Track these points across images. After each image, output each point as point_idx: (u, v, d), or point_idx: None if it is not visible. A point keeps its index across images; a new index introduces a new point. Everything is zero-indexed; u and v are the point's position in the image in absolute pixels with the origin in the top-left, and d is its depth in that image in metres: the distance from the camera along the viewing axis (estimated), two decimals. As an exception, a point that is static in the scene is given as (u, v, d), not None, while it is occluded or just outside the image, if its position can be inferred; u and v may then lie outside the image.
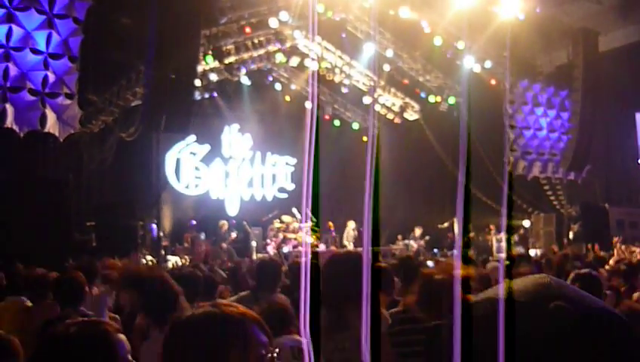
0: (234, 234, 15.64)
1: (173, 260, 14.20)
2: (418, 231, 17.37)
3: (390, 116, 19.18)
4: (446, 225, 17.07)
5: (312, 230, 16.53)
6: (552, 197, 17.85)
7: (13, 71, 11.02)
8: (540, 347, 0.75)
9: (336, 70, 17.49)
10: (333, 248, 16.81)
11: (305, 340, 1.32)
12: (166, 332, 1.60)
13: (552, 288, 0.81)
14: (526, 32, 14.96)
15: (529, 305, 0.78)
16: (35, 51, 11.17)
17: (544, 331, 0.76)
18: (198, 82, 14.53)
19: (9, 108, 10.98)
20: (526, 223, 17.24)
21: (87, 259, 7.17)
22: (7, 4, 10.72)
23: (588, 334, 0.76)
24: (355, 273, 1.48)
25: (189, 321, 1.57)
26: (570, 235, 16.89)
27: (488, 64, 16.58)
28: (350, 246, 16.63)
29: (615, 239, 13.07)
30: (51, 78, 11.45)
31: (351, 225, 17.05)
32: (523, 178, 17.40)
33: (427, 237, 17.24)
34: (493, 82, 17.00)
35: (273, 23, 14.85)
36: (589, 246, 14.45)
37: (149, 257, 13.62)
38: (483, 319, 0.79)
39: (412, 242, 17.15)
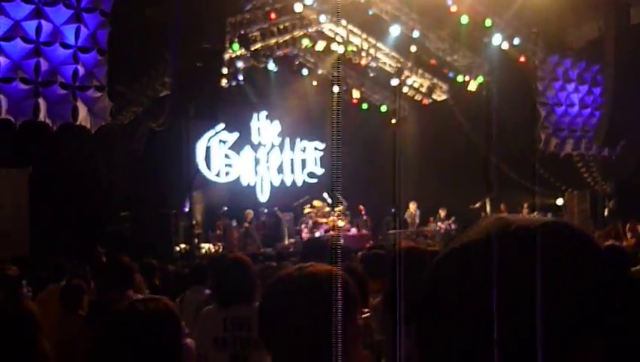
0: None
1: (206, 247, 14.40)
2: (442, 213, 17.19)
3: (418, 97, 19.05)
4: (478, 205, 16.92)
5: (343, 213, 16.60)
6: (586, 175, 17.55)
7: (44, 66, 11.19)
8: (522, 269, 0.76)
9: (363, 53, 17.41)
10: (364, 231, 16.85)
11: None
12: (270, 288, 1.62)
13: (503, 220, 0.84)
14: (555, 6, 14.68)
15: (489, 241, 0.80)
16: (65, 45, 11.31)
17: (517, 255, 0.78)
18: (225, 70, 14.62)
19: (42, 102, 11.17)
20: (559, 201, 17.01)
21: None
22: (35, -1, 10.88)
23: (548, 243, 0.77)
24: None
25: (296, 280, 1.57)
26: (606, 212, 16.62)
27: (517, 41, 16.32)
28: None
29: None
30: (81, 71, 11.59)
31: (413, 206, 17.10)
32: (555, 155, 17.14)
33: (453, 218, 16.99)
34: (522, 59, 16.74)
35: (298, 7, 14.83)
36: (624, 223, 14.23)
37: (182, 245, 13.83)
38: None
39: (439, 223, 17.03)
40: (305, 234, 15.43)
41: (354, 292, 1.62)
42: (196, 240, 14.59)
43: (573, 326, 0.75)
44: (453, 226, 16.65)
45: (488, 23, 15.82)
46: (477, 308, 0.77)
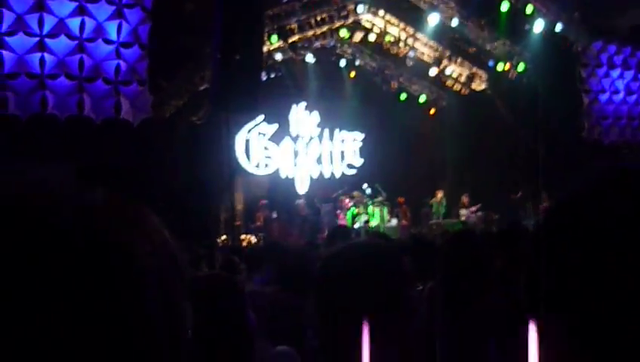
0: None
1: (247, 238, 14.54)
2: (465, 200, 16.78)
3: (457, 87, 18.83)
4: (519, 194, 16.66)
5: (382, 204, 16.56)
6: (632, 163, 17.12)
7: (87, 62, 11.44)
8: None
9: (401, 43, 17.29)
10: (404, 222, 16.79)
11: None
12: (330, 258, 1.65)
13: None
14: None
15: None
16: (107, 41, 11.55)
17: None
18: (263, 62, 14.69)
19: (86, 97, 11.42)
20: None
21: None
22: (78, -3, 11.13)
23: None
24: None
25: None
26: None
27: (559, 27, 15.99)
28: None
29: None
30: (123, 66, 11.82)
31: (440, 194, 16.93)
32: (599, 143, 16.77)
33: (480, 205, 16.62)
34: (565, 46, 16.40)
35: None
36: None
37: (223, 236, 13.99)
38: None
39: (463, 211, 16.69)
40: (343, 223, 15.45)
41: (406, 266, 1.64)
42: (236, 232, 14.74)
43: None
44: (479, 214, 16.27)
45: (529, 9, 15.54)
46: None
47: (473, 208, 16.40)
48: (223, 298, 1.90)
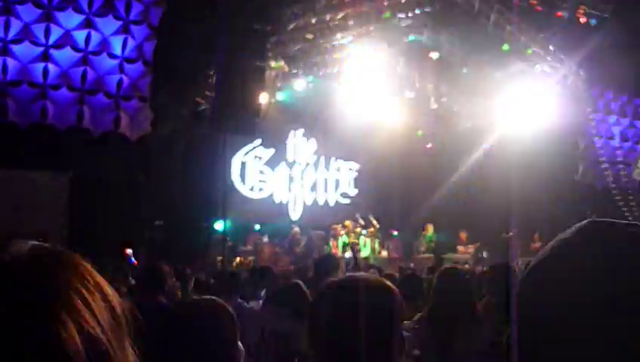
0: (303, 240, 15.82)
1: (237, 260, 14.49)
2: (463, 236, 16.85)
3: (455, 121, 18.95)
4: (511, 234, 16.68)
5: (375, 235, 16.56)
6: (625, 208, 17.23)
7: (90, 74, 11.50)
8: None
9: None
10: (394, 255, 16.78)
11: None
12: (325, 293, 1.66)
13: None
14: (598, 39, 14.57)
15: None
16: (112, 56, 11.63)
17: None
18: (264, 87, 14.80)
19: (86, 109, 11.46)
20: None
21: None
22: (87, 10, 11.21)
23: None
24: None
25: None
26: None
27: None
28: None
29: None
30: (126, 81, 11.88)
31: (430, 228, 16.94)
32: (593, 188, 16.88)
33: (478, 243, 16.68)
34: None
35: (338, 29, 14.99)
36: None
37: (219, 257, 13.95)
38: None
39: (461, 247, 16.72)
40: (335, 252, 15.43)
41: (400, 303, 1.66)
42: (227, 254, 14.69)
43: None
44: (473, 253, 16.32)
45: (529, 51, 15.77)
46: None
47: (471, 247, 16.44)
48: (215, 326, 1.89)
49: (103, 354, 0.61)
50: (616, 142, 17.02)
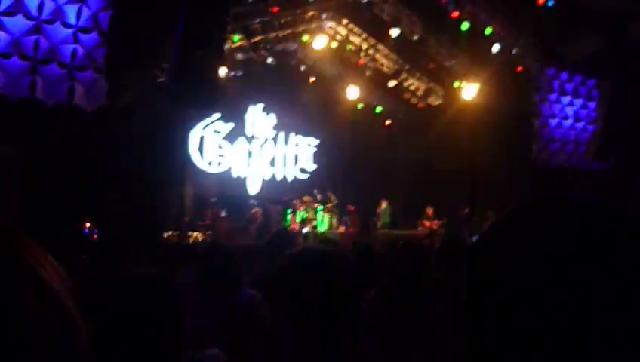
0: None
1: (194, 236, 14.41)
2: (430, 211, 17.16)
3: (414, 100, 19.13)
4: (467, 211, 17.02)
5: (332, 211, 16.67)
6: (576, 188, 17.71)
7: (43, 44, 11.15)
8: None
9: (362, 53, 17.47)
10: (352, 230, 16.92)
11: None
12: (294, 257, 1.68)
13: None
14: (555, 18, 14.81)
15: None
16: (66, 25, 11.28)
17: None
18: (224, 60, 14.62)
19: (39, 80, 11.13)
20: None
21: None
22: (39, -24, 10.85)
23: None
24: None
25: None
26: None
27: (515, 50, 16.46)
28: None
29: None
30: (80, 51, 11.55)
31: (384, 203, 17.13)
32: (546, 166, 17.29)
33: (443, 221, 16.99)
34: (519, 69, 16.87)
35: (300, 2, 14.87)
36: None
37: (170, 231, 13.85)
38: None
39: (427, 222, 17.00)
40: (294, 226, 15.49)
41: (356, 272, 1.69)
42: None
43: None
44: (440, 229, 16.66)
45: (488, 30, 15.93)
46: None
47: (436, 222, 16.70)
48: (158, 300, 1.88)
49: (60, 307, 0.62)
50: (569, 122, 17.43)
